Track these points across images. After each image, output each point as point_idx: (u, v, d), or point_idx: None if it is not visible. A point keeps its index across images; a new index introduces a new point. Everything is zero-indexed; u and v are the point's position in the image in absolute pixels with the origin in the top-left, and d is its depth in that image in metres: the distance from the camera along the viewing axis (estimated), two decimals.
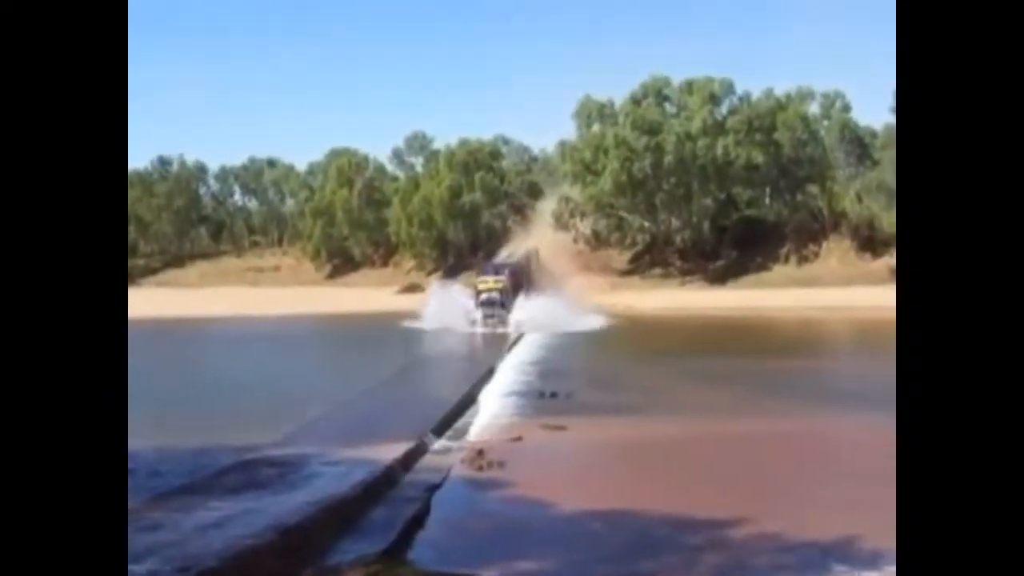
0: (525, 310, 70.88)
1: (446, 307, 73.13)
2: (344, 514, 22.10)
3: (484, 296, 72.03)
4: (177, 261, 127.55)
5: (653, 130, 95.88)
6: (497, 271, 77.60)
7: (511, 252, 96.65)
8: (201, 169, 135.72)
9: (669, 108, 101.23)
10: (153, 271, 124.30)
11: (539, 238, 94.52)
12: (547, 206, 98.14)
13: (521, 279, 79.80)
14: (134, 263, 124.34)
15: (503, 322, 69.45)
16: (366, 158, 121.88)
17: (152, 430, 32.39)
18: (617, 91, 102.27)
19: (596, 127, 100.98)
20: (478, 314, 70.78)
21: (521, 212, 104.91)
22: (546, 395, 40.25)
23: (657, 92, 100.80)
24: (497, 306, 70.94)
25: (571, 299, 76.61)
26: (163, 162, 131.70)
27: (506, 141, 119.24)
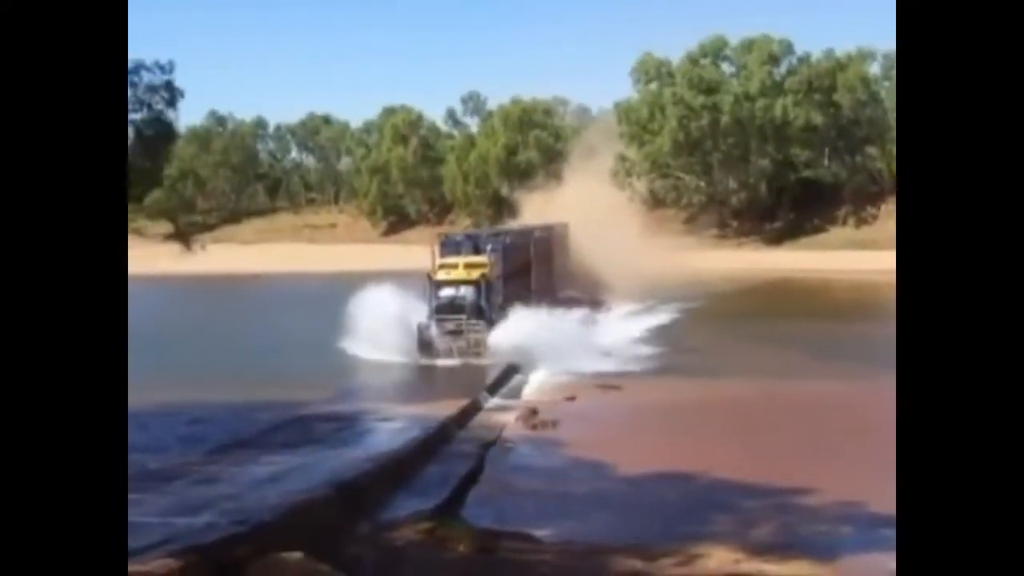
0: (525, 328, 38.69)
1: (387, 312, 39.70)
2: (399, 470, 22.21)
3: (445, 293, 39.53)
4: (234, 217, 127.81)
5: (711, 90, 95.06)
6: (476, 246, 43.48)
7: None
8: (259, 125, 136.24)
9: (727, 68, 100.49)
10: (210, 227, 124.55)
11: (591, 198, 72.94)
12: (601, 164, 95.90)
13: (525, 265, 48.99)
14: (191, 219, 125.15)
15: (476, 347, 38.17)
16: (420, 116, 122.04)
17: (206, 384, 32.78)
18: (675, 50, 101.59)
19: (653, 85, 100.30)
20: (432, 329, 38.58)
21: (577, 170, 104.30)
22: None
23: (715, 52, 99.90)
24: (468, 313, 38.84)
25: (614, 297, 55.75)
26: (218, 119, 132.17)
27: (563, 102, 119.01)
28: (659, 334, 46.25)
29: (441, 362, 37.91)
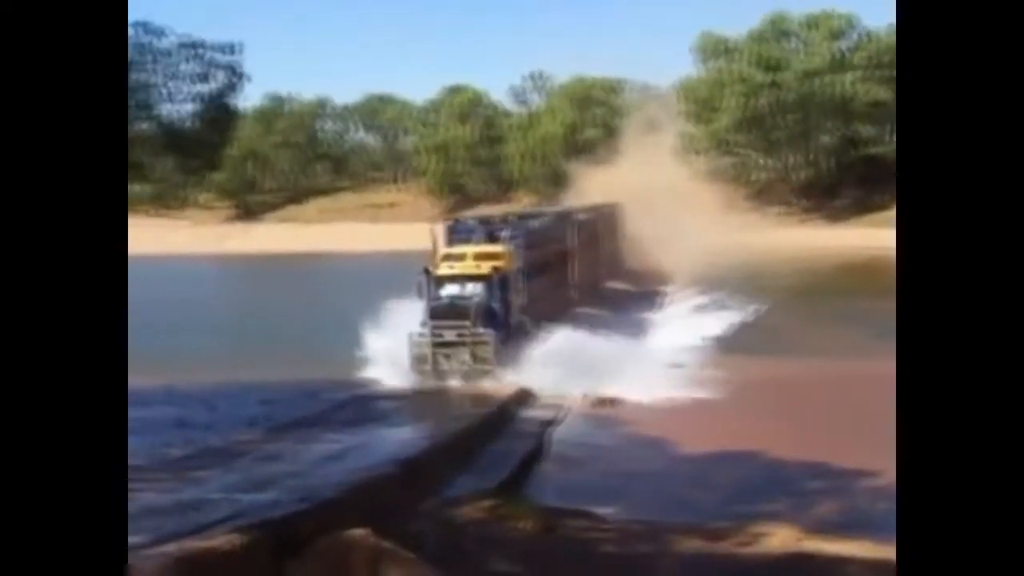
0: (559, 353, 30.57)
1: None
2: (461, 448, 22.30)
3: (446, 292, 31.46)
4: (297, 197, 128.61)
5: (774, 66, 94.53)
6: (491, 233, 35.29)
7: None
8: (321, 105, 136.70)
9: (791, 44, 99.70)
10: (273, 207, 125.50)
11: (651, 175, 68.03)
12: (663, 142, 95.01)
13: (562, 254, 42.35)
14: (255, 199, 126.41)
15: (483, 363, 29.89)
16: (482, 95, 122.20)
17: (271, 362, 33.07)
18: (737, 27, 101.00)
19: (716, 63, 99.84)
20: (427, 340, 30.11)
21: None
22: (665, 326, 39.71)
23: (779, 28, 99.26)
24: (474, 319, 30.30)
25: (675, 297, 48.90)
26: (279, 100, 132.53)
27: (625, 81, 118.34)
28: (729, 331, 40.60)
29: (438, 383, 29.50)
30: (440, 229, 36.00)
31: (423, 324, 30.19)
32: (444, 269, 31.87)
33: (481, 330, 29.94)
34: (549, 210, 51.75)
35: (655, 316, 43.74)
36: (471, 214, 59.35)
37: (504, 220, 39.48)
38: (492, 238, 34.39)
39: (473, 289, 31.14)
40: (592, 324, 35.42)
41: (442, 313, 30.31)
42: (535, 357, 30.39)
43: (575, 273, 43.24)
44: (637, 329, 38.17)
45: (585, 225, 47.68)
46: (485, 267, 31.76)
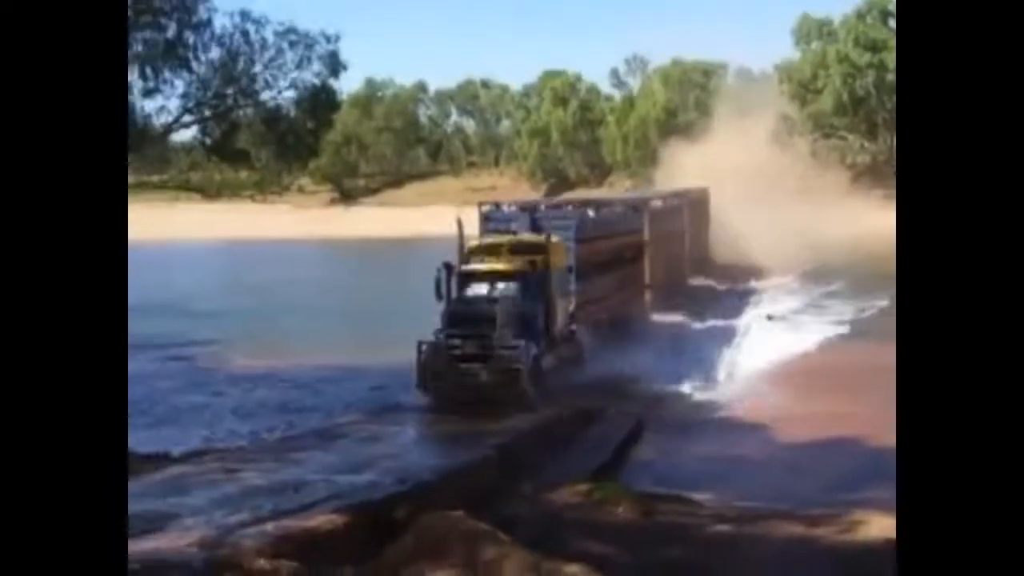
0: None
1: None
2: (559, 432, 22.23)
3: (472, 292, 25.30)
4: (396, 181, 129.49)
5: (876, 47, 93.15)
6: (535, 222, 29.90)
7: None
8: (420, 89, 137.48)
9: (893, 24, 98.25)
10: (373, 191, 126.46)
11: (748, 158, 64.01)
12: (761, 124, 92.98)
13: (629, 248, 34.90)
14: (354, 183, 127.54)
15: (510, 385, 23.11)
16: (579, 79, 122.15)
17: (376, 347, 33.31)
18: (838, 8, 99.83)
19: (816, 45, 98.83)
20: (441, 351, 23.62)
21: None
22: (761, 317, 39.32)
23: (881, 8, 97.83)
24: (501, 327, 23.52)
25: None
26: (377, 84, 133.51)
27: (723, 65, 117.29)
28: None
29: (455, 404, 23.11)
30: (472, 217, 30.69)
31: (438, 332, 24.05)
32: (474, 264, 25.91)
33: (511, 340, 23.59)
34: (618, 197, 46.15)
35: (745, 321, 38.48)
36: (566, 197, 56.35)
37: (556, 207, 33.94)
38: (536, 228, 28.84)
39: (503, 289, 25.03)
40: (670, 334, 32.61)
41: (461, 318, 24.03)
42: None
43: (650, 271, 36.47)
44: (724, 339, 33.98)
45: (664, 214, 41.21)
46: (518, 262, 25.47)
